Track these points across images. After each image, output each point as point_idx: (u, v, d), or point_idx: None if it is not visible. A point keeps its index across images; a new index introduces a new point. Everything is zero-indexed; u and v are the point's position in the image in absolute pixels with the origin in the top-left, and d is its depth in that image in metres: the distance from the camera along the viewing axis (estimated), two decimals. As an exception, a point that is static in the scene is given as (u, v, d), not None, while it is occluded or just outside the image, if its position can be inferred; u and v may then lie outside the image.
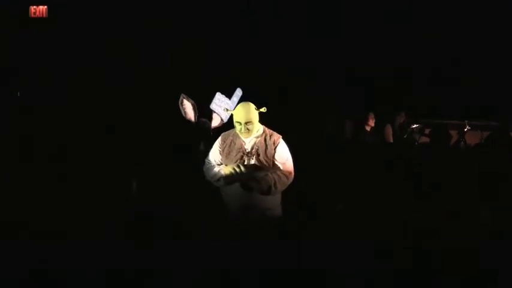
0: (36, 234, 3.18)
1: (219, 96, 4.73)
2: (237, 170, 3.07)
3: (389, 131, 6.19)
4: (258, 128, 3.27)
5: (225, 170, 3.16)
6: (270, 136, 3.25)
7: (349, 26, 7.07)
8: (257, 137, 3.24)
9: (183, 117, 4.52)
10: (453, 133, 5.70)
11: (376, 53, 7.15)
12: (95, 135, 4.43)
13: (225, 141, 3.31)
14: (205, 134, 4.46)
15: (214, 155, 3.34)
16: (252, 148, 3.22)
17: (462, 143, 6.11)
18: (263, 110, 3.22)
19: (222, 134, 3.37)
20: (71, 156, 4.11)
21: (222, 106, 4.70)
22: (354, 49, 7.07)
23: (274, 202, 3.20)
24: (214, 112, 4.73)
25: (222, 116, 4.72)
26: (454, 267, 2.79)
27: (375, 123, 6.00)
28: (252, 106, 3.21)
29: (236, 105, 4.67)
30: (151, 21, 6.58)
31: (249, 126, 3.17)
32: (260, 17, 7.10)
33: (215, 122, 4.73)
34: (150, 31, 6.56)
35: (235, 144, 3.26)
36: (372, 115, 5.99)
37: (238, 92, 4.81)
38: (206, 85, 5.10)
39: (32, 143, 4.23)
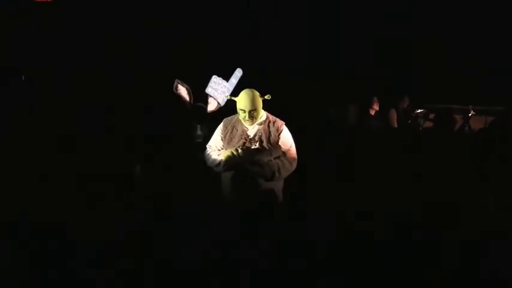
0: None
1: (215, 79, 4.56)
2: (235, 153, 3.04)
3: (393, 115, 6.14)
4: (262, 115, 3.22)
5: (224, 153, 3.11)
6: (274, 123, 3.21)
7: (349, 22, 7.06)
8: (260, 124, 3.20)
9: (179, 102, 4.40)
10: (458, 118, 5.65)
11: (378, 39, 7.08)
12: (94, 134, 4.41)
13: (226, 127, 3.26)
14: (202, 118, 4.36)
15: (216, 141, 3.29)
16: (255, 135, 3.17)
17: (467, 128, 6.08)
18: (267, 97, 3.16)
19: (224, 120, 3.31)
20: (71, 155, 4.10)
21: (218, 89, 4.54)
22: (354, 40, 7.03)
23: (276, 189, 3.15)
24: (210, 96, 4.57)
25: (218, 100, 4.56)
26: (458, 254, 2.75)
27: (379, 107, 5.95)
28: (257, 93, 3.16)
29: (234, 87, 4.53)
30: (151, 21, 6.58)
31: (254, 114, 3.12)
32: (260, 17, 7.10)
33: (211, 106, 4.57)
34: (150, 31, 6.56)
35: (237, 130, 3.21)
36: (376, 99, 5.94)
37: (238, 73, 4.64)
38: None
39: (33, 142, 4.22)
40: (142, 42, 6.49)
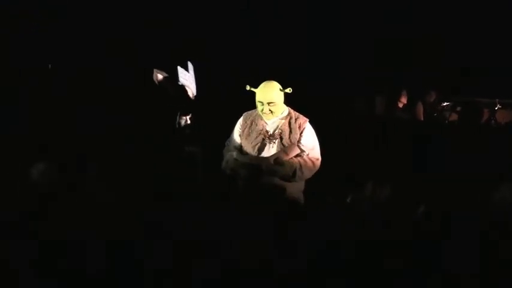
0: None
1: (181, 70, 4.37)
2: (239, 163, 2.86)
3: (420, 108, 6.09)
4: (283, 110, 3.02)
5: (232, 163, 2.92)
6: (296, 119, 3.00)
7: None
8: (281, 119, 3.00)
9: (160, 93, 4.25)
10: (484, 111, 5.54)
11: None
12: (93, 135, 4.41)
13: (246, 122, 3.07)
14: (189, 107, 4.16)
15: (234, 137, 3.10)
16: (274, 131, 2.98)
17: (493, 121, 6.00)
18: (288, 90, 2.96)
19: (244, 114, 3.14)
20: (70, 155, 4.09)
21: (187, 79, 4.38)
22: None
23: (296, 189, 2.98)
24: (185, 86, 4.38)
25: (192, 89, 4.40)
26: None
27: (407, 100, 5.94)
28: (276, 85, 2.95)
29: (194, 79, 4.41)
30: (151, 21, 6.57)
31: (272, 108, 2.92)
32: (260, 17, 7.09)
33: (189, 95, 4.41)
34: (150, 31, 6.55)
35: (256, 125, 3.02)
36: (404, 92, 5.91)
37: (190, 65, 4.52)
38: (205, 84, 5.06)
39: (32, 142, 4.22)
40: (142, 42, 6.48)
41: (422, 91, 6.35)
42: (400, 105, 5.88)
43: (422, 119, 6.08)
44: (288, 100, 3.07)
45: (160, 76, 4.30)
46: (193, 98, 4.40)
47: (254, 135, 3.00)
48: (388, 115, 5.52)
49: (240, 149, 3.07)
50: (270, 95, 2.92)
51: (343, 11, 7.14)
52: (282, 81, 3.10)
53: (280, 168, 2.85)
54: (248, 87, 3.02)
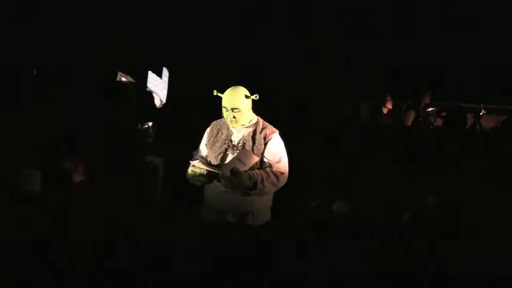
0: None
1: (151, 75, 4.17)
2: (196, 171, 2.72)
3: (411, 114, 5.99)
4: (252, 118, 2.90)
5: (189, 169, 2.80)
6: (262, 129, 2.86)
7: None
8: (247, 129, 2.87)
9: (122, 98, 3.97)
10: (469, 117, 5.55)
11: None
12: (93, 135, 4.39)
13: (212, 130, 2.96)
14: (152, 114, 3.95)
15: (201, 145, 3.00)
16: (239, 141, 2.85)
17: (477, 127, 5.94)
18: (254, 97, 2.84)
19: (213, 122, 3.03)
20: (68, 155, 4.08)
21: (157, 85, 4.18)
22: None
23: (260, 204, 2.85)
24: (153, 92, 4.18)
25: (160, 96, 4.21)
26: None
27: (393, 105, 5.83)
28: (242, 91, 2.82)
29: (168, 86, 4.23)
30: (151, 21, 6.58)
31: (237, 114, 2.78)
32: (260, 17, 7.10)
33: (156, 102, 4.23)
34: (150, 31, 6.55)
35: (222, 134, 2.91)
36: (389, 97, 5.80)
37: (166, 72, 4.33)
38: (205, 85, 5.05)
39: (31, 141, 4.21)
40: (142, 42, 6.48)
41: (416, 97, 6.31)
42: (385, 110, 5.75)
43: (409, 124, 5.96)
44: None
45: (124, 79, 4.08)
46: (160, 106, 4.22)
47: (219, 144, 2.88)
48: (372, 121, 5.48)
49: (205, 159, 2.94)
50: (235, 100, 2.79)
51: (342, 11, 7.14)
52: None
53: (236, 178, 2.65)
54: (215, 92, 2.90)
